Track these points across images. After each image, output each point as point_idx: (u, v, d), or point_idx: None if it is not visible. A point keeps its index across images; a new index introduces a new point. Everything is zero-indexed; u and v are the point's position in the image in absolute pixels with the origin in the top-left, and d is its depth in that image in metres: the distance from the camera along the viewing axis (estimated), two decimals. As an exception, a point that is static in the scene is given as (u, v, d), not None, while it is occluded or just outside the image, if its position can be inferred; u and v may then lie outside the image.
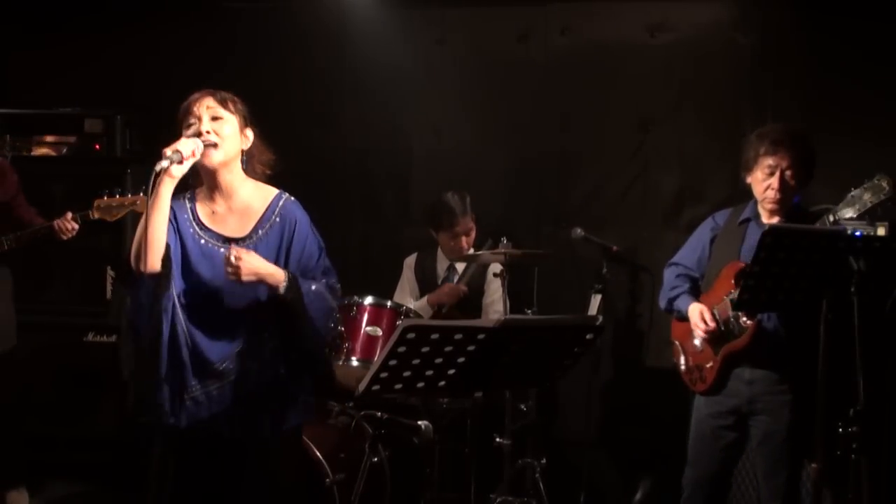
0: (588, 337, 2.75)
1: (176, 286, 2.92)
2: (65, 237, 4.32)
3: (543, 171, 5.25)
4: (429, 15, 5.37)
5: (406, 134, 5.45)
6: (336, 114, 5.47)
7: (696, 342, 3.61)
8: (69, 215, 4.30)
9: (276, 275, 2.91)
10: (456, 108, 5.25)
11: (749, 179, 3.53)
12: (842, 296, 2.91)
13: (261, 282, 2.89)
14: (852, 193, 3.28)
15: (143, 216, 2.83)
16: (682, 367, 3.71)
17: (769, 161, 3.43)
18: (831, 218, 3.32)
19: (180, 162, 2.77)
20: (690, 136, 5.03)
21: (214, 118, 2.92)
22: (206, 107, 2.92)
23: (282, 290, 2.90)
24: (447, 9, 5.35)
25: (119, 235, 5.02)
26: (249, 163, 3.02)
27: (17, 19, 5.53)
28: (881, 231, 3.89)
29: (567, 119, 5.19)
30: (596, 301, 4.76)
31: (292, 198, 3.08)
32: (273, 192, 3.06)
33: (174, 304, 2.91)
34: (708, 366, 3.56)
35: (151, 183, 2.76)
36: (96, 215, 4.26)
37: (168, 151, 2.76)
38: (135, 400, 4.86)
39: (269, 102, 5.32)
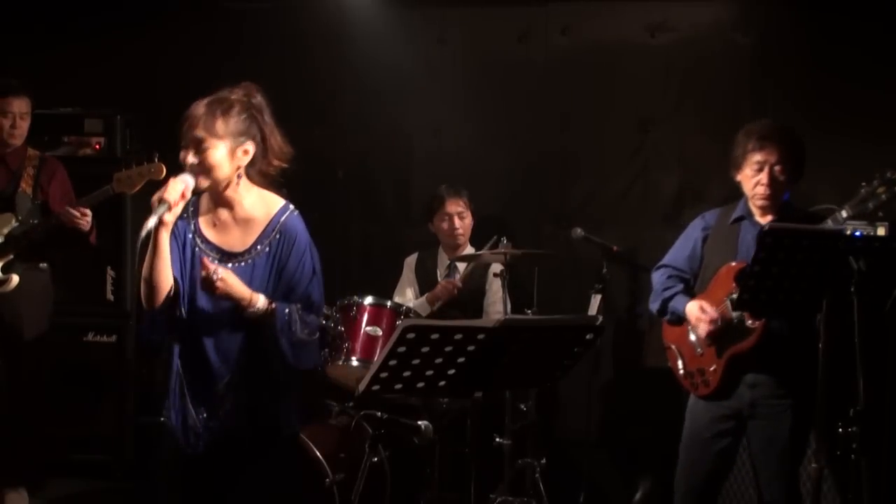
0: (588, 337, 2.74)
1: (184, 305, 2.92)
2: (77, 224, 4.18)
3: (543, 171, 5.25)
4: (429, 14, 5.37)
5: (406, 134, 5.45)
6: (336, 114, 5.46)
7: (693, 339, 3.53)
8: (69, 206, 4.20)
9: (249, 299, 2.87)
10: (456, 107, 5.25)
11: (738, 177, 3.49)
12: (842, 296, 2.90)
13: (228, 299, 2.87)
14: (864, 189, 3.23)
15: (146, 259, 2.80)
16: (681, 372, 3.61)
17: (757, 157, 3.40)
18: (844, 214, 3.28)
19: (170, 209, 2.74)
20: (690, 136, 5.03)
21: (201, 148, 2.82)
22: (192, 138, 2.82)
23: (249, 311, 2.88)
24: (447, 8, 5.35)
25: (119, 235, 5.03)
26: (254, 169, 2.95)
27: (18, 21, 5.53)
28: (881, 231, 3.89)
29: (567, 119, 5.19)
30: (596, 301, 4.76)
31: (296, 212, 3.00)
32: (278, 204, 2.99)
33: (184, 328, 2.94)
34: (711, 369, 3.48)
35: (142, 236, 2.71)
36: (117, 189, 4.19)
37: (156, 202, 2.72)
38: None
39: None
